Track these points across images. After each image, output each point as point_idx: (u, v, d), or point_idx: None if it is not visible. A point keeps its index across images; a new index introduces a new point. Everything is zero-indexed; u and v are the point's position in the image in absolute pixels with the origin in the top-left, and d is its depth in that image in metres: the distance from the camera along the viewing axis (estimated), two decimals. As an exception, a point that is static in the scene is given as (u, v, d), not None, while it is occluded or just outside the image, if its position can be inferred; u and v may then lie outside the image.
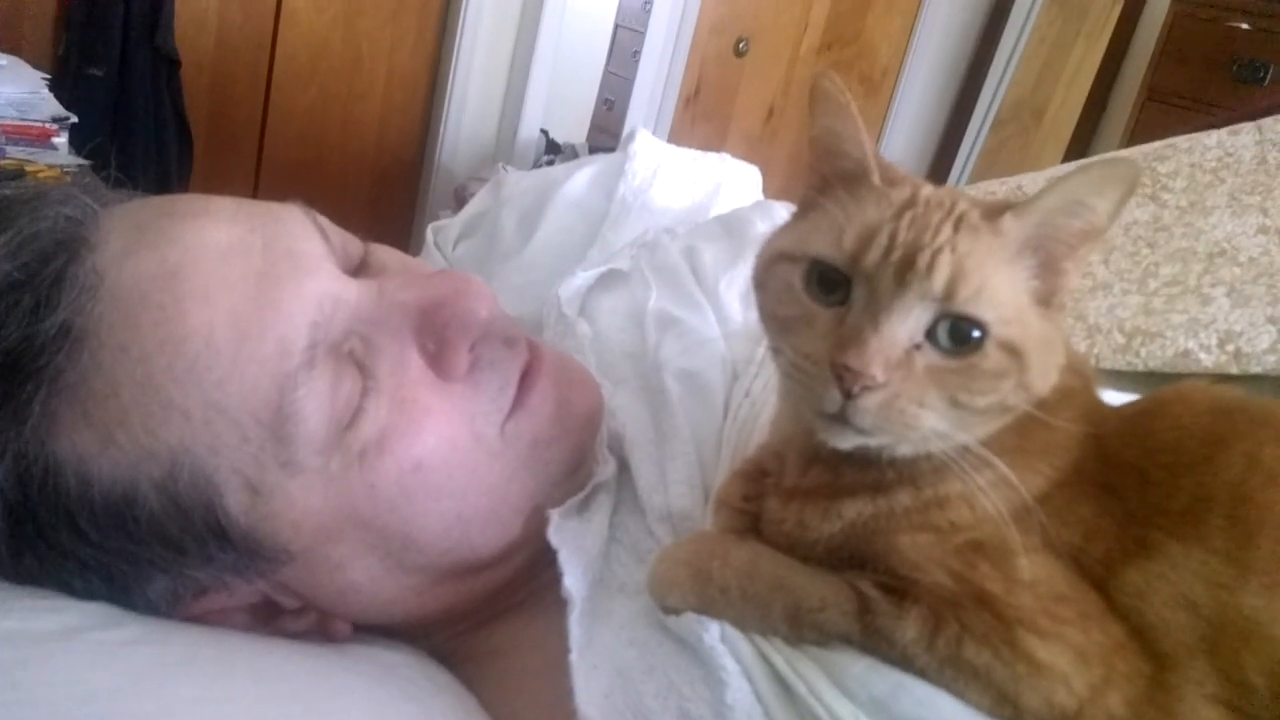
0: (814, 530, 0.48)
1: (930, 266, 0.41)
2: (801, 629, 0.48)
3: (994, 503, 0.44)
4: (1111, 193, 0.42)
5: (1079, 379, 0.49)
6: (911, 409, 0.42)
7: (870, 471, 0.47)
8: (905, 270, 0.42)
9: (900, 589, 0.45)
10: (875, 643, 0.45)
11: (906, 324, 0.42)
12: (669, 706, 0.48)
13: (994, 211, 0.44)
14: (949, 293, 0.41)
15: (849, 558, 0.47)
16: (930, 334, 0.42)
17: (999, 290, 0.42)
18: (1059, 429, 0.46)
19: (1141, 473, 0.45)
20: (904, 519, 0.46)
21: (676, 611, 0.50)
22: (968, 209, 0.44)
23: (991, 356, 0.42)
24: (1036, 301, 0.44)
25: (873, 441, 0.44)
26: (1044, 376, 0.44)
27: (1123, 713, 0.42)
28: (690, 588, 0.50)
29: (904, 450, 0.45)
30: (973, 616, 0.43)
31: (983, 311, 0.41)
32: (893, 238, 0.43)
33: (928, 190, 0.46)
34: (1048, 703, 0.42)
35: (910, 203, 0.44)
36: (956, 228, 0.43)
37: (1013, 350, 0.42)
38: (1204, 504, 0.43)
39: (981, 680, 0.43)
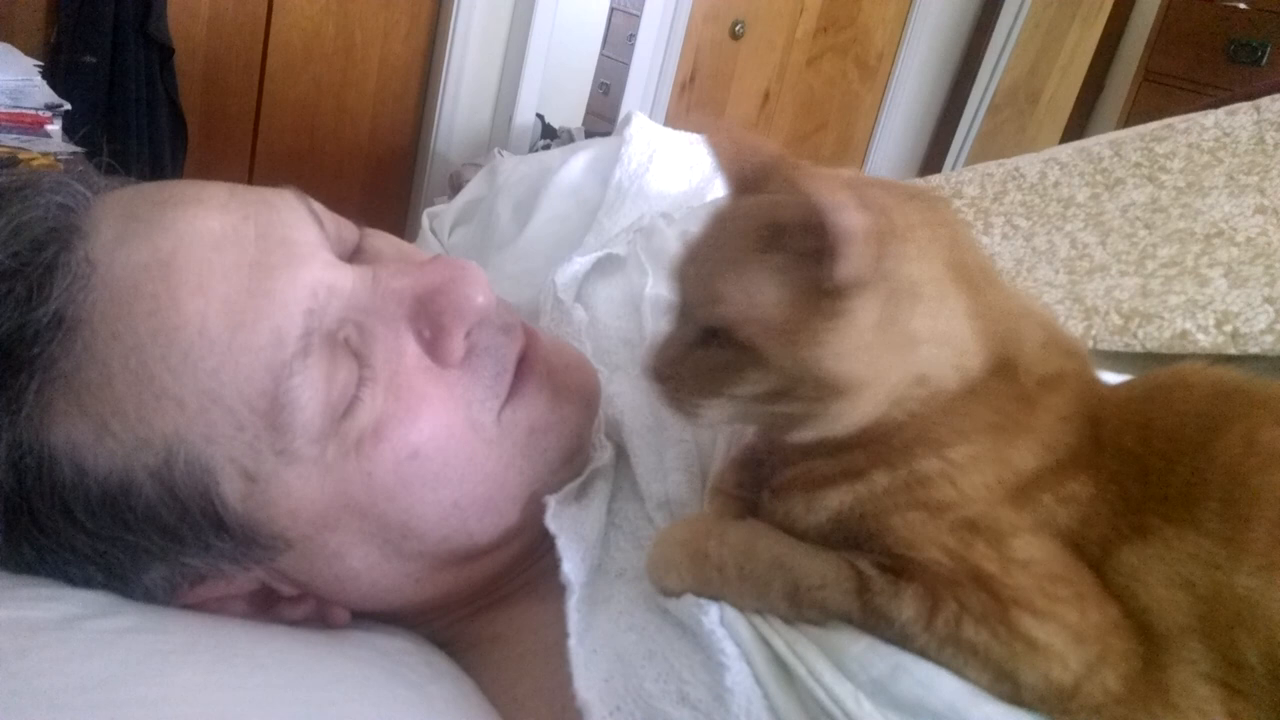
0: (802, 521, 0.49)
1: (684, 280, 0.48)
2: (800, 607, 0.48)
3: (977, 480, 0.44)
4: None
5: (1072, 361, 0.49)
6: (687, 399, 0.48)
7: (840, 459, 0.47)
8: (677, 284, 0.49)
9: (897, 568, 0.45)
10: (874, 621, 0.46)
11: (679, 331, 0.49)
12: (668, 690, 0.48)
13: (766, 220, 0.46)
14: (694, 303, 0.48)
15: (844, 540, 0.47)
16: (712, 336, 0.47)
17: (742, 294, 0.45)
18: (1045, 410, 0.46)
19: (1139, 459, 0.45)
20: (888, 499, 0.46)
21: (675, 594, 0.50)
22: (747, 224, 0.46)
23: (735, 354, 0.45)
24: (822, 293, 0.43)
25: (703, 423, 0.50)
26: (837, 364, 0.44)
27: (1118, 690, 0.42)
28: (688, 568, 0.50)
29: (827, 432, 0.47)
30: (970, 595, 0.44)
31: (715, 318, 0.46)
32: (679, 258, 0.49)
33: (747, 202, 0.48)
34: (1045, 679, 0.42)
35: (714, 217, 0.49)
36: (721, 241, 0.47)
37: (751, 347, 0.45)
38: (1199, 488, 0.43)
39: (980, 658, 0.43)
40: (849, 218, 0.40)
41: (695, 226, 0.50)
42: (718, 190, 1.01)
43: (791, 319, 0.44)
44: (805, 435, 0.47)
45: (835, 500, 0.47)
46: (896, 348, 0.44)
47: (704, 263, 0.47)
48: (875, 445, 0.46)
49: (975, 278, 0.46)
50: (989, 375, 0.46)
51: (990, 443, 0.45)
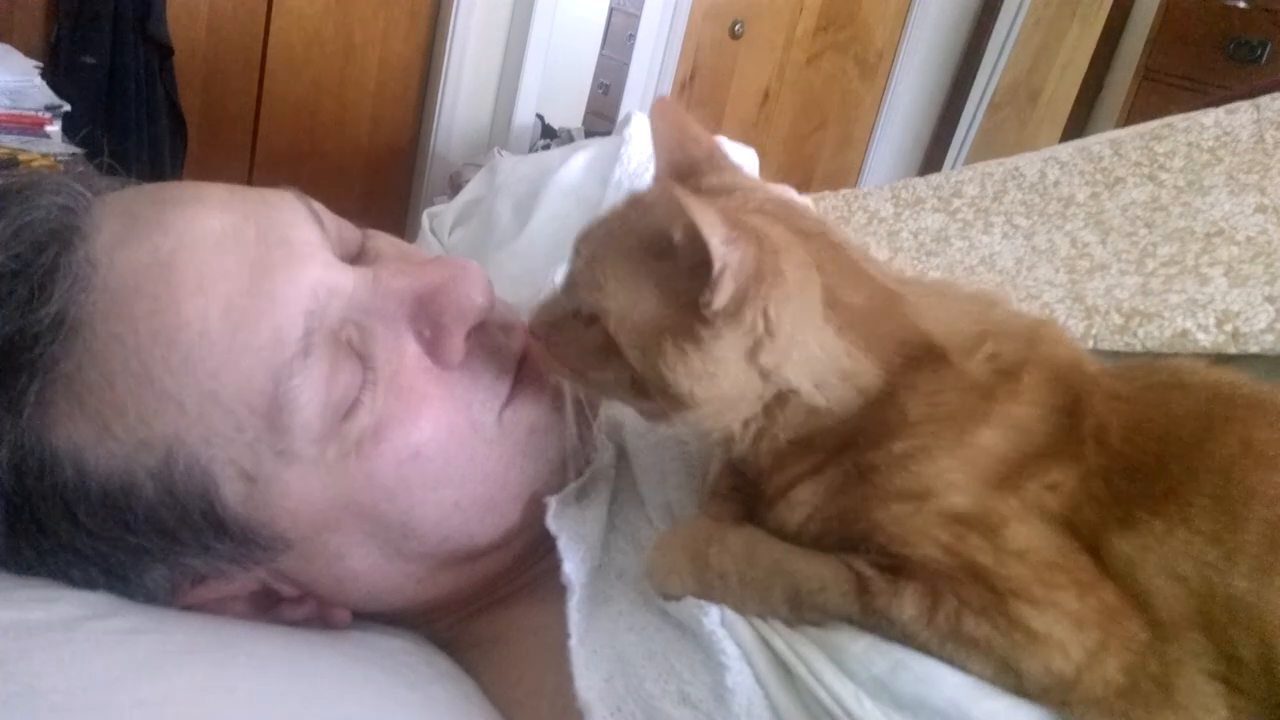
0: (790, 524, 0.49)
1: (580, 254, 0.50)
2: (802, 610, 0.48)
3: (933, 470, 0.45)
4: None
5: (1043, 348, 0.49)
6: (554, 364, 0.52)
7: (803, 460, 0.49)
8: (574, 253, 0.52)
9: (895, 567, 0.45)
10: (875, 621, 0.46)
11: (565, 298, 0.51)
12: (669, 691, 0.48)
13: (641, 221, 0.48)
14: (580, 280, 0.49)
15: (839, 543, 0.48)
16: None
17: (622, 291, 0.47)
18: (1008, 398, 0.46)
19: (1125, 457, 0.45)
20: (855, 491, 0.47)
21: (676, 598, 0.50)
22: (649, 224, 0.47)
23: (603, 340, 0.48)
24: (692, 315, 0.45)
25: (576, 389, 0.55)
26: (685, 382, 0.46)
27: (1119, 681, 0.42)
28: (689, 573, 0.50)
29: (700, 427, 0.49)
30: (968, 590, 0.44)
31: (593, 304, 0.48)
32: (586, 228, 0.51)
33: (660, 200, 0.49)
34: (1046, 669, 0.43)
35: (631, 201, 0.51)
36: (623, 230, 0.49)
37: (611, 337, 0.47)
38: (1190, 485, 0.43)
39: (982, 651, 0.44)
40: (729, 256, 0.42)
41: (615, 202, 0.52)
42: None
43: (659, 329, 0.46)
44: (664, 429, 0.51)
45: (806, 494, 0.48)
46: (748, 377, 0.46)
47: (601, 244, 0.49)
48: (820, 445, 0.48)
49: (861, 309, 0.48)
50: (910, 377, 0.47)
51: (936, 434, 0.45)
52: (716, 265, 0.42)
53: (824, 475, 0.48)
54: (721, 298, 0.43)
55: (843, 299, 0.47)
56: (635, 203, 0.50)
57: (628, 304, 0.47)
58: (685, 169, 0.54)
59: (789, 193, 1.00)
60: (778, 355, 0.46)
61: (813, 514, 0.48)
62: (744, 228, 0.44)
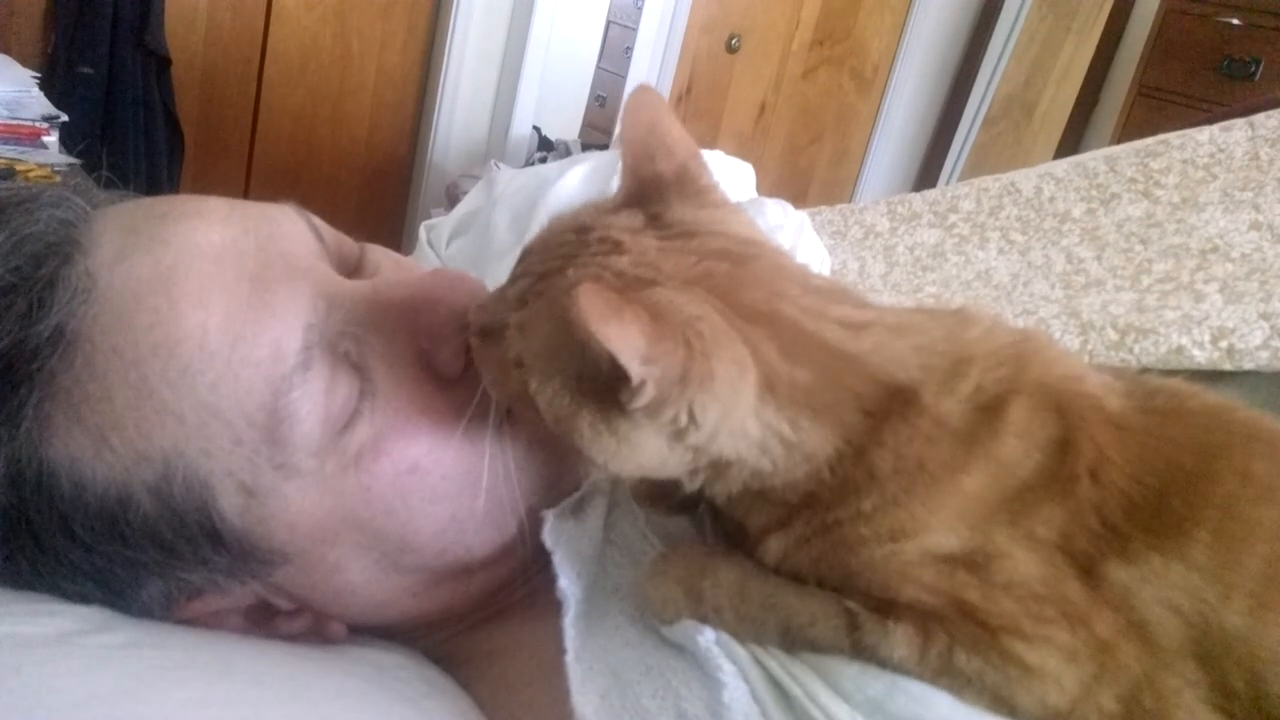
0: (768, 565, 0.49)
1: (521, 272, 0.49)
2: (795, 644, 0.47)
3: (905, 516, 0.43)
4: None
5: (1027, 374, 0.46)
6: (485, 376, 0.51)
7: (766, 510, 0.48)
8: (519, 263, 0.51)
9: (883, 607, 0.45)
10: (867, 657, 0.45)
11: (495, 308, 0.49)
12: (666, 707, 0.48)
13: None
14: (510, 309, 0.48)
15: (819, 585, 0.47)
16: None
17: (548, 353, 0.44)
18: (989, 436, 0.44)
19: (1123, 492, 0.44)
20: (822, 541, 0.46)
21: (671, 622, 0.50)
22: (565, 265, 0.46)
23: (519, 383, 0.46)
24: (613, 402, 0.43)
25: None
26: (600, 457, 0.44)
27: (1114, 710, 0.42)
28: (684, 604, 0.50)
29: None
30: (958, 627, 0.43)
31: (515, 345, 0.46)
32: (535, 240, 0.51)
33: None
34: (1041, 703, 0.42)
35: (577, 226, 0.50)
36: (544, 270, 0.47)
37: (518, 361, 0.46)
38: (1189, 520, 0.42)
39: (975, 686, 0.43)
40: (649, 372, 0.40)
41: (571, 211, 0.50)
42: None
43: (576, 405, 0.44)
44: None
45: (776, 545, 0.48)
46: (672, 451, 0.44)
47: (536, 284, 0.47)
48: (779, 499, 0.47)
49: (807, 382, 0.44)
50: (879, 432, 0.44)
51: (907, 487, 0.43)
52: (635, 381, 0.40)
53: (791, 529, 0.47)
54: (640, 402, 0.41)
55: (785, 378, 0.44)
56: (581, 231, 0.48)
57: (548, 371, 0.44)
58: (650, 189, 0.50)
59: (778, 208, 1.01)
60: (704, 439, 0.43)
61: (783, 561, 0.48)
62: (671, 333, 0.40)
